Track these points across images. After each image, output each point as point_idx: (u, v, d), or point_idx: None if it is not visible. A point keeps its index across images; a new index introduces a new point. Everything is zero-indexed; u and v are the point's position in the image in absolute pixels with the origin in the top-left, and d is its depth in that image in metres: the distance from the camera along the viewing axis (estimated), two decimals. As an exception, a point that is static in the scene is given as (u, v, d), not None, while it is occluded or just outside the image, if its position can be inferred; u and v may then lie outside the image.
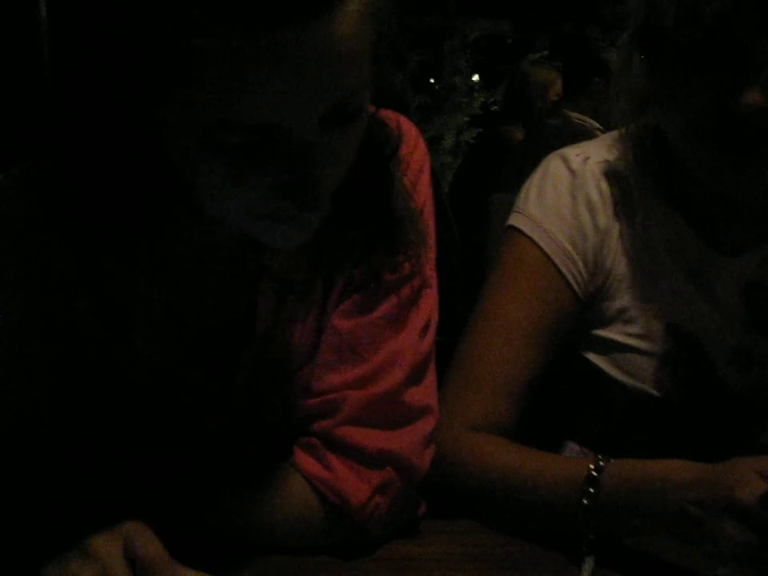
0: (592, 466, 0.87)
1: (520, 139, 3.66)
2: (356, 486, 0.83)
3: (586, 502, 0.86)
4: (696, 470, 0.82)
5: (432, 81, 6.87)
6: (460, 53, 6.86)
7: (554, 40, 5.76)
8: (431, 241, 0.91)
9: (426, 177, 0.92)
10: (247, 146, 0.65)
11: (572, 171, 1.10)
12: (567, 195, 1.09)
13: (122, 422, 0.85)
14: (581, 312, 1.08)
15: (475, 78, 7.00)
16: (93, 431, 0.84)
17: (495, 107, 6.68)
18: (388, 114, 0.85)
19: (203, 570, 0.76)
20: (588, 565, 0.83)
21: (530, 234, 1.08)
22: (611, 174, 1.10)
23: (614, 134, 1.13)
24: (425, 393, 0.88)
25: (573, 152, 1.13)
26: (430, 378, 0.90)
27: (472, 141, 6.57)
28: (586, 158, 1.11)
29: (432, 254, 0.91)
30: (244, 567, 0.81)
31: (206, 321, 0.84)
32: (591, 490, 0.86)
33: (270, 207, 0.70)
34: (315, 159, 0.67)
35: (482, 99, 6.83)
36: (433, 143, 6.53)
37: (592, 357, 1.09)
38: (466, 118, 6.80)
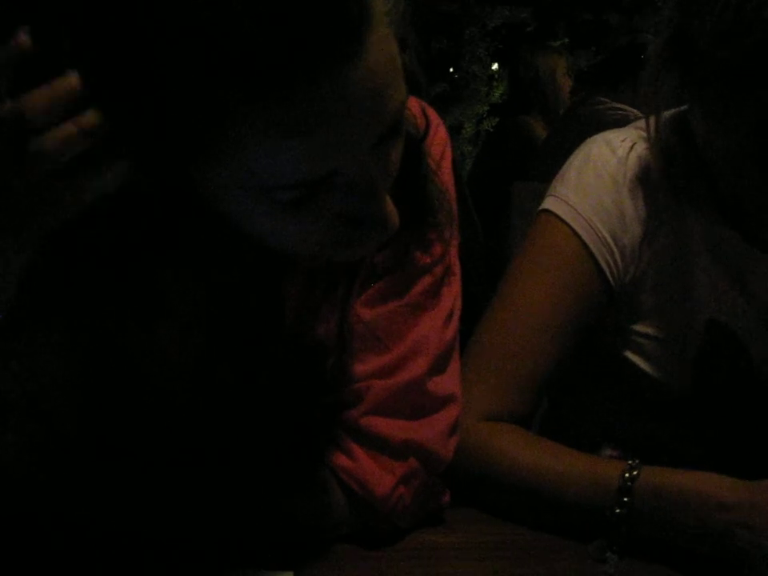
0: (626, 474, 0.86)
1: (539, 129, 3.65)
2: (380, 476, 0.82)
3: (618, 510, 0.85)
4: (740, 489, 0.82)
5: (451, 69, 6.84)
6: (479, 41, 6.82)
7: (572, 27, 5.72)
8: (455, 228, 0.90)
9: (447, 163, 0.90)
10: (306, 195, 0.64)
11: (617, 157, 1.06)
12: (610, 182, 1.04)
13: (145, 420, 0.85)
14: (612, 304, 1.05)
15: (495, 66, 6.96)
16: (116, 430, 0.84)
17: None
18: (411, 100, 0.83)
19: (225, 556, 0.76)
20: (611, 560, 0.83)
21: (566, 219, 1.04)
22: (655, 164, 1.04)
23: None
24: (449, 381, 0.88)
25: (618, 137, 1.08)
26: (454, 366, 0.90)
27: (492, 130, 6.55)
28: (633, 144, 1.06)
29: (455, 242, 0.90)
30: (266, 556, 0.81)
31: (233, 316, 0.83)
32: (625, 499, 0.85)
33: (337, 235, 0.69)
34: (374, 182, 0.66)
35: (501, 88, 6.80)
36: (452, 132, 6.50)
37: (628, 353, 1.07)
38: (485, 107, 6.76)
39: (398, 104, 0.64)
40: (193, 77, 0.56)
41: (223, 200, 0.66)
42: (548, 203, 1.07)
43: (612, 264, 1.03)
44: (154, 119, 0.59)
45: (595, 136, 1.11)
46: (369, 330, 0.85)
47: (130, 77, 0.57)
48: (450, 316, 0.88)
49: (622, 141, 1.07)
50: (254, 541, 0.81)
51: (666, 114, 1.05)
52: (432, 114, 0.89)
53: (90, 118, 0.59)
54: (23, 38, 0.58)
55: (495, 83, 6.90)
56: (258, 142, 0.59)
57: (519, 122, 3.83)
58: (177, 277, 0.79)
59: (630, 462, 0.87)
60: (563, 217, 1.04)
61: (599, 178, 1.05)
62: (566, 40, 5.35)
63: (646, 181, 1.05)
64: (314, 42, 0.56)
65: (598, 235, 1.03)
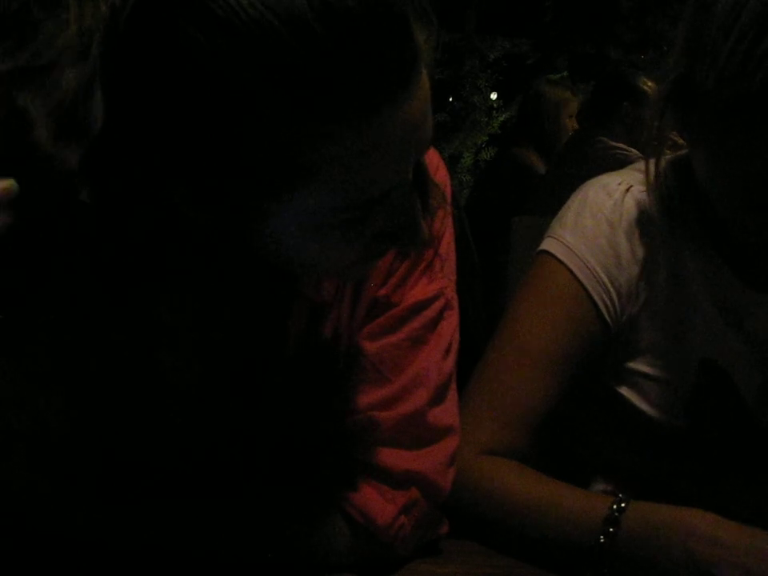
0: (614, 506, 0.86)
1: (534, 161, 3.67)
2: (382, 506, 0.84)
3: (603, 540, 0.85)
4: (738, 531, 0.82)
5: (451, 99, 6.89)
6: (480, 72, 6.87)
7: (573, 61, 5.76)
8: (453, 264, 0.92)
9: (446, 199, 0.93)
10: (357, 218, 0.67)
11: (613, 200, 1.08)
12: (606, 224, 1.06)
13: (146, 443, 0.86)
14: (610, 343, 1.06)
15: (494, 96, 7.00)
16: (118, 456, 0.85)
17: (514, 127, 6.68)
18: None
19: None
20: None
21: (564, 261, 1.06)
22: (651, 205, 1.07)
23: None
24: (448, 413, 0.90)
25: (614, 180, 1.11)
26: (452, 397, 0.91)
27: (490, 159, 6.57)
28: (629, 187, 1.09)
29: (453, 277, 0.93)
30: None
31: (235, 346, 0.84)
32: (610, 530, 0.85)
33: (371, 252, 0.73)
34: (413, 199, 0.70)
35: (501, 119, 6.83)
36: (452, 162, 6.54)
37: (624, 391, 1.08)
38: (485, 137, 6.80)
39: (431, 129, 0.69)
40: (277, 107, 0.59)
41: (270, 229, 0.69)
42: (546, 244, 1.09)
43: (609, 303, 1.05)
44: (237, 155, 0.62)
45: (592, 180, 1.13)
46: (370, 362, 0.87)
47: (220, 113, 0.60)
48: (448, 349, 0.90)
49: (618, 184, 1.10)
50: (255, 570, 0.82)
51: (666, 157, 1.07)
52: (433, 152, 0.91)
53: None
54: None
55: (495, 113, 6.93)
56: (327, 169, 0.62)
57: (515, 153, 3.84)
58: (178, 303, 0.80)
59: (620, 495, 0.88)
60: (560, 257, 1.06)
61: (595, 220, 1.07)
62: (566, 73, 5.39)
63: (642, 222, 1.07)
64: (386, 72, 0.61)
65: (594, 275, 1.05)
